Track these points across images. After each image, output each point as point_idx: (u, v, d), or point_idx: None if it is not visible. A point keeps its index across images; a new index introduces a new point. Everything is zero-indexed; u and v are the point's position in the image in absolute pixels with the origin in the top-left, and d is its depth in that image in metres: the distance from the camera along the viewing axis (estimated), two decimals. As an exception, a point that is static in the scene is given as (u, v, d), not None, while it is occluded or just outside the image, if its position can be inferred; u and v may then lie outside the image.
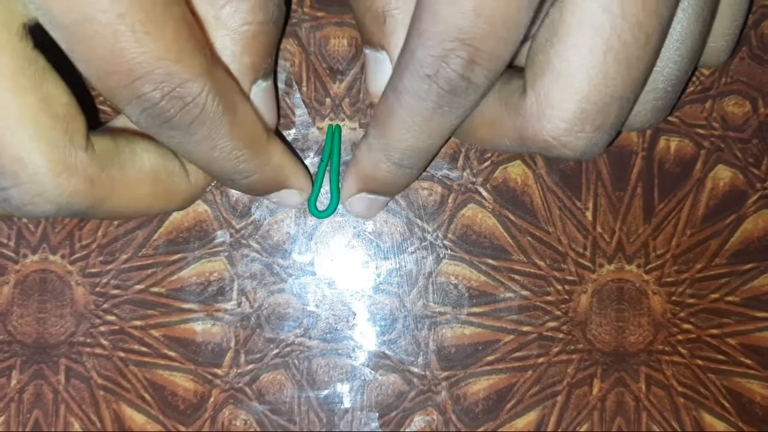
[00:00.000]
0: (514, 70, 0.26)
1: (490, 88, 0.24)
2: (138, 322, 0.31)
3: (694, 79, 0.31)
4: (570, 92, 0.23)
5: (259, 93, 0.26)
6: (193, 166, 0.27)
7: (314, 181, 0.30)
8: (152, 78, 0.21)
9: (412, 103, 0.24)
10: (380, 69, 0.27)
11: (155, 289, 0.31)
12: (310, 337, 0.31)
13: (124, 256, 0.31)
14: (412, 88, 0.23)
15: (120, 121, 0.27)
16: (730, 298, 0.31)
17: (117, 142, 0.24)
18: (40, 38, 0.22)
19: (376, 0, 0.26)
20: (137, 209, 0.25)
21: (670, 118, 0.31)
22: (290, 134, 0.31)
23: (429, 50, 0.22)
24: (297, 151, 0.31)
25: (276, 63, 0.30)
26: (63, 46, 0.21)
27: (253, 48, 0.25)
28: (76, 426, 0.31)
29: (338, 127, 0.30)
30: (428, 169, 0.31)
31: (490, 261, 0.31)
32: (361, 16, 0.26)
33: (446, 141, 0.26)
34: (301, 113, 0.31)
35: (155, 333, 0.31)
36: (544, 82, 0.23)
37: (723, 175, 0.31)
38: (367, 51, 0.27)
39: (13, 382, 0.31)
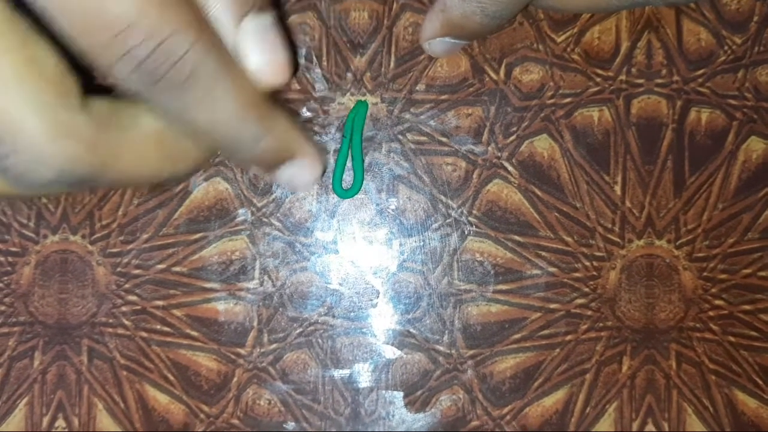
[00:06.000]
0: None
1: None
2: (160, 302, 0.30)
3: (726, 48, 0.30)
4: None
5: (252, 29, 0.24)
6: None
7: (337, 158, 0.30)
8: (136, 32, 0.20)
9: None
10: None
11: (177, 269, 0.30)
12: (333, 316, 0.31)
13: (145, 236, 0.30)
14: None
15: None
16: (763, 274, 0.31)
17: (117, 104, 0.23)
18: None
19: None
20: (144, 174, 0.24)
21: (701, 88, 0.30)
22: (311, 109, 0.30)
23: None
24: (318, 127, 0.30)
25: None
26: (40, 3, 0.21)
27: None
28: (100, 406, 0.31)
29: (365, 103, 0.30)
30: (452, 143, 0.30)
31: (516, 237, 0.31)
32: None
33: None
34: (321, 88, 0.30)
35: (177, 313, 0.30)
36: None
37: (756, 147, 0.31)
38: None
39: (36, 363, 0.31)
